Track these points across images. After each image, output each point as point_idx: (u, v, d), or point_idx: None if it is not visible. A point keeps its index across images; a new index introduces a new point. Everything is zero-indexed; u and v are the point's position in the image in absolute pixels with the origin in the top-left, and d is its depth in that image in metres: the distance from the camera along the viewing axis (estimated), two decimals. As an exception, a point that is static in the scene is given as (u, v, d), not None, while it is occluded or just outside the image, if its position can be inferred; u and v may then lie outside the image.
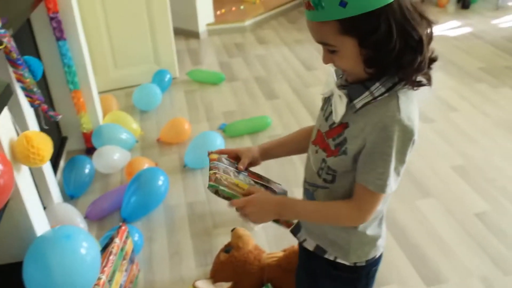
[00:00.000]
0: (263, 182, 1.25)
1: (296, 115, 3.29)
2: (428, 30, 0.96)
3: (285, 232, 2.21)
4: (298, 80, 3.81)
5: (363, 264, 1.22)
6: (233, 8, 5.23)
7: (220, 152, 1.29)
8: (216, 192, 1.11)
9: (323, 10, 0.92)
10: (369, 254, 1.21)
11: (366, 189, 1.03)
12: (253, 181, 1.22)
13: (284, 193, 1.28)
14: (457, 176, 2.62)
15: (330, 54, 1.00)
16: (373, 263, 1.24)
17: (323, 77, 3.76)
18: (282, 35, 4.82)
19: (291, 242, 2.10)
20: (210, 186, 1.11)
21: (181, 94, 3.64)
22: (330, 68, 1.12)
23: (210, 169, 1.18)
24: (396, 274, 2.02)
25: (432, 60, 1.00)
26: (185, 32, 4.75)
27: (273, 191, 1.24)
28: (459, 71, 3.84)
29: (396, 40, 0.91)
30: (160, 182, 2.38)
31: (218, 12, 5.05)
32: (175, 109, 3.43)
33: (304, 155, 1.26)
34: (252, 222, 1.13)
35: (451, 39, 4.44)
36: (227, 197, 1.12)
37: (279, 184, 1.30)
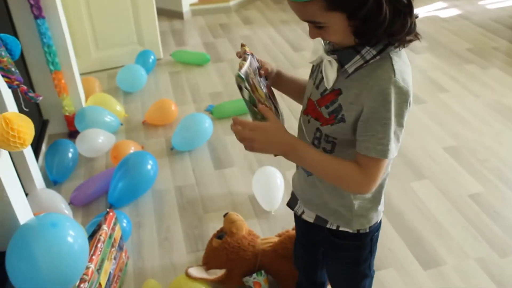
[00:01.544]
0: (274, 102, 1.15)
1: (285, 96, 3.19)
2: None
3: (278, 216, 2.18)
4: (286, 61, 3.73)
5: (366, 230, 1.20)
6: (217, -12, 5.09)
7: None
8: (239, 87, 0.99)
9: None
10: (372, 220, 1.19)
11: (368, 157, 0.99)
12: (268, 95, 1.13)
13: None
14: (449, 157, 2.59)
15: (317, 29, 0.96)
16: (375, 229, 1.22)
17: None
18: (268, 15, 4.72)
19: (285, 226, 2.07)
20: (238, 76, 0.98)
21: (165, 76, 3.53)
22: None
23: (244, 59, 1.08)
24: (393, 257, 1.98)
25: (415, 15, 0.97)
26: (168, 13, 4.61)
27: (277, 114, 1.11)
28: (448, 52, 3.80)
29: (386, 8, 0.87)
30: (149, 167, 2.29)
31: (202, -8, 4.91)
32: (160, 91, 3.32)
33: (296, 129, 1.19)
34: (251, 148, 1.01)
35: (439, 20, 4.39)
36: (245, 99, 1.00)
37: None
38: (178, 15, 4.62)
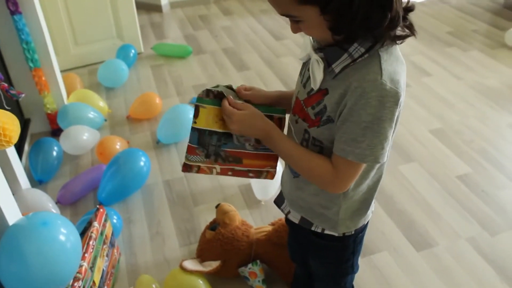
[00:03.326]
0: None
1: (269, 86, 3.19)
2: None
3: (270, 206, 2.17)
4: (268, 50, 3.71)
5: (351, 232, 1.17)
6: (195, -21, 5.03)
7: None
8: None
9: None
10: (359, 223, 1.16)
11: (344, 159, 0.95)
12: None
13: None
14: (436, 139, 2.61)
15: (296, 24, 0.93)
16: (360, 230, 1.20)
17: (294, 47, 3.68)
18: (247, 5, 4.68)
19: (277, 215, 2.06)
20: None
21: (147, 69, 3.48)
22: None
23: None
24: (385, 241, 1.99)
25: (408, 9, 0.92)
26: (147, 6, 4.55)
27: None
28: (429, 36, 3.82)
29: (358, 2, 0.82)
30: (141, 163, 2.24)
31: (180, -16, 4.85)
32: (142, 85, 3.27)
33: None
34: (232, 128, 1.06)
35: (418, 5, 4.39)
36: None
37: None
38: (157, 8, 4.55)
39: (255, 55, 3.64)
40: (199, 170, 1.11)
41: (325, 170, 1.00)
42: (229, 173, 1.14)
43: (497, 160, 2.44)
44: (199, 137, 1.07)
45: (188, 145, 1.08)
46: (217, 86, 1.09)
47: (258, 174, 1.17)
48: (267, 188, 2.17)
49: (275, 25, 4.15)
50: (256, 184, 2.20)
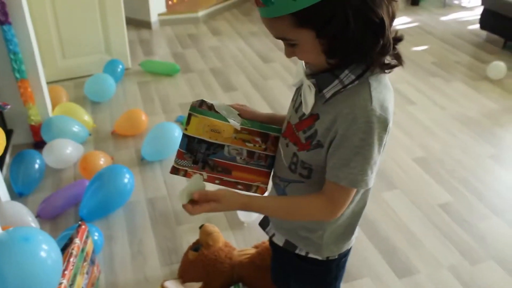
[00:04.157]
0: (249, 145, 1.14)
1: (256, 108, 3.15)
2: (390, 9, 0.90)
3: (253, 228, 2.16)
4: (256, 72, 3.73)
5: (335, 257, 1.17)
6: (185, -2, 5.08)
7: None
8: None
9: (273, 5, 0.86)
10: (343, 248, 1.17)
11: (337, 185, 0.97)
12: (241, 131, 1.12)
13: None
14: (419, 168, 2.64)
15: (290, 47, 0.95)
16: (344, 254, 1.20)
17: (281, 70, 3.72)
18: (236, 26, 4.73)
19: (260, 238, 2.05)
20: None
21: (134, 86, 3.47)
22: None
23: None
24: (367, 267, 1.99)
25: (397, 39, 0.94)
26: (136, 22, 4.56)
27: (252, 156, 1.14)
28: (414, 65, 3.90)
29: (354, 27, 0.85)
30: (125, 180, 2.22)
31: (170, 2, 4.88)
32: (129, 101, 3.26)
33: None
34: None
35: (403, 34, 4.49)
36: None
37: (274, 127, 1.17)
38: (146, 24, 4.57)
39: (242, 76, 3.66)
40: (186, 174, 1.13)
41: (319, 205, 1.02)
42: (216, 181, 1.15)
43: (478, 190, 2.47)
44: (188, 143, 1.09)
45: (178, 150, 1.11)
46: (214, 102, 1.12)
47: (247, 188, 1.17)
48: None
49: (263, 47, 4.19)
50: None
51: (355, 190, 0.99)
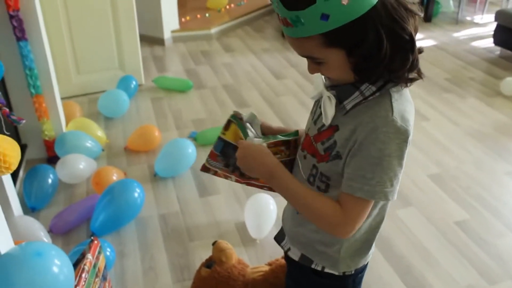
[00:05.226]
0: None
1: (268, 124, 3.19)
2: (414, 23, 0.89)
3: (265, 245, 2.14)
4: (268, 88, 3.74)
5: (351, 272, 1.15)
6: (198, 16, 5.13)
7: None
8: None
9: (303, 26, 0.85)
10: (359, 263, 1.15)
11: (352, 197, 0.94)
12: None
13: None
14: (434, 184, 2.60)
15: (316, 65, 0.94)
16: (360, 270, 1.18)
17: (294, 86, 3.72)
18: (249, 43, 4.75)
19: (272, 255, 2.02)
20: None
21: (147, 102, 3.49)
22: None
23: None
24: (383, 285, 1.95)
25: (418, 52, 0.93)
26: (149, 39, 4.60)
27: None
28: (427, 81, 3.87)
29: (386, 45, 0.84)
30: (136, 195, 2.22)
31: (183, 19, 4.93)
32: (142, 117, 3.27)
33: None
34: (238, 162, 1.06)
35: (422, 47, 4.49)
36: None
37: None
38: (159, 41, 4.61)
39: (255, 92, 3.67)
40: (216, 173, 1.18)
41: (332, 209, 0.98)
42: (244, 183, 1.19)
43: (494, 207, 2.43)
44: (223, 147, 1.12)
45: (212, 151, 1.14)
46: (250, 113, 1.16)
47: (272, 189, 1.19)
48: (262, 227, 2.14)
49: (276, 64, 4.20)
50: (251, 222, 2.17)
51: (370, 203, 0.97)
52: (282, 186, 1.04)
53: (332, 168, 1.00)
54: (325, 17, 0.82)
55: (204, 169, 1.18)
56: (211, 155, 1.14)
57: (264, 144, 1.09)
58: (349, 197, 0.95)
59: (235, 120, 1.11)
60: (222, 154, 1.13)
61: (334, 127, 0.98)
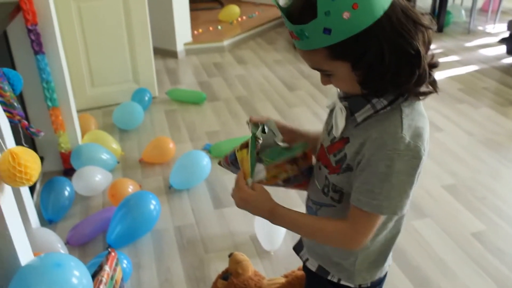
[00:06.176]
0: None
1: (281, 135, 3.20)
2: (426, 36, 0.89)
3: (280, 257, 2.13)
4: (281, 100, 3.75)
5: (368, 285, 1.15)
6: (211, 28, 5.18)
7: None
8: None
9: (308, 39, 0.87)
10: (375, 276, 1.15)
11: (360, 210, 0.95)
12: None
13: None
14: (449, 195, 2.59)
15: (326, 77, 0.96)
16: (377, 283, 1.17)
17: (306, 98, 3.73)
18: (261, 55, 4.78)
19: (288, 267, 2.02)
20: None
21: (161, 114, 3.52)
22: None
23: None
24: (399, 298, 1.94)
25: (433, 65, 0.93)
26: (163, 52, 4.65)
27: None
28: (440, 92, 3.85)
29: (389, 60, 0.85)
30: (151, 207, 2.23)
31: (196, 32, 4.98)
32: (156, 129, 3.30)
33: None
34: (236, 203, 1.08)
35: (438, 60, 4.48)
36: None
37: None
38: (173, 54, 4.66)
39: (268, 104, 3.68)
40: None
41: (341, 227, 1.00)
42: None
43: (511, 217, 2.40)
44: (234, 160, 1.16)
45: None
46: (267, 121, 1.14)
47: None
48: (273, 239, 2.14)
49: (288, 75, 4.22)
50: (262, 235, 2.17)
51: (380, 217, 0.97)
52: (286, 223, 1.08)
53: (344, 180, 1.00)
54: (327, 31, 0.83)
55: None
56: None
57: (264, 172, 1.08)
58: (357, 211, 0.96)
59: (252, 141, 1.08)
60: (233, 164, 1.17)
61: (345, 139, 0.99)
